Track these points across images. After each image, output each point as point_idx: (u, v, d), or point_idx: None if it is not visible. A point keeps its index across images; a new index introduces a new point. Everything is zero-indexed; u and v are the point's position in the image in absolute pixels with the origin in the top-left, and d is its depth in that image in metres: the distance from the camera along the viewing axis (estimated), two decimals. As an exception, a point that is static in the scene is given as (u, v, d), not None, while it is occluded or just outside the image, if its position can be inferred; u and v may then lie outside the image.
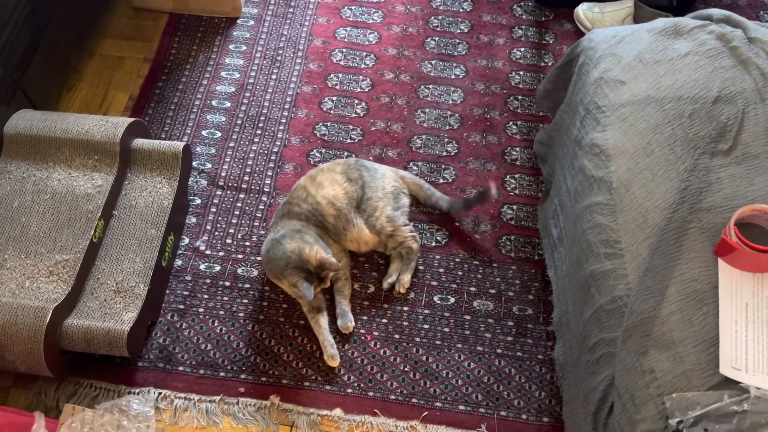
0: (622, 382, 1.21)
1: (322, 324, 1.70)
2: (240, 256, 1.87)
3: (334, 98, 2.18)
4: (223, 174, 2.01)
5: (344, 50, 2.29)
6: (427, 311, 1.79)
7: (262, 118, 2.13)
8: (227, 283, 1.82)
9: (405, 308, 1.79)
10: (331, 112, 2.15)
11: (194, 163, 2.01)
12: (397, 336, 1.75)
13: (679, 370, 1.17)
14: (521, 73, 2.25)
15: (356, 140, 2.09)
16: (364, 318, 1.77)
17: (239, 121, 2.12)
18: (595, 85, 1.56)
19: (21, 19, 1.78)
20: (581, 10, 2.33)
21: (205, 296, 1.80)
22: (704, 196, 1.33)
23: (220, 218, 1.93)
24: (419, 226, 1.92)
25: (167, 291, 1.80)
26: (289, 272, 1.62)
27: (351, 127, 2.12)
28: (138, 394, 1.63)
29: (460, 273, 1.85)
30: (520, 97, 2.19)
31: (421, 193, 1.92)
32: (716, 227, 1.30)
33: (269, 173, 2.02)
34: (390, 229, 1.77)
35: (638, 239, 1.32)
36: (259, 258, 1.85)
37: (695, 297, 1.24)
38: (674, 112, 1.45)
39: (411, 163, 2.04)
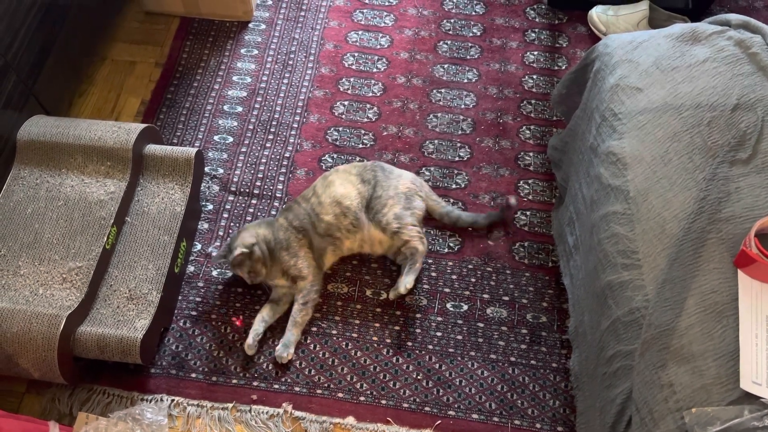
0: (640, 396, 1.19)
1: (262, 312, 1.74)
2: (252, 262, 1.86)
3: (346, 103, 2.17)
4: (235, 179, 2.01)
5: (356, 54, 2.28)
6: (440, 318, 1.78)
7: (273, 122, 2.12)
8: (239, 290, 1.82)
9: (417, 315, 1.78)
10: (343, 116, 2.14)
11: (206, 169, 2.01)
12: (409, 343, 1.74)
13: (698, 384, 1.16)
14: (534, 76, 2.23)
15: (368, 145, 2.08)
16: (377, 325, 1.76)
17: (251, 126, 2.11)
18: (612, 92, 1.54)
19: (33, 25, 1.79)
20: (595, 13, 2.31)
21: (218, 302, 1.80)
22: (723, 206, 1.31)
23: (232, 224, 1.93)
24: (431, 232, 1.91)
25: (180, 297, 1.80)
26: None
27: (363, 131, 2.11)
28: (151, 401, 1.63)
29: (473, 280, 1.84)
30: (533, 101, 2.17)
31: (437, 210, 1.89)
32: (736, 238, 1.28)
33: (281, 178, 2.01)
34: (395, 225, 1.74)
35: (656, 249, 1.30)
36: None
37: (715, 309, 1.22)
38: (692, 120, 1.43)
39: (423, 168, 2.02)
